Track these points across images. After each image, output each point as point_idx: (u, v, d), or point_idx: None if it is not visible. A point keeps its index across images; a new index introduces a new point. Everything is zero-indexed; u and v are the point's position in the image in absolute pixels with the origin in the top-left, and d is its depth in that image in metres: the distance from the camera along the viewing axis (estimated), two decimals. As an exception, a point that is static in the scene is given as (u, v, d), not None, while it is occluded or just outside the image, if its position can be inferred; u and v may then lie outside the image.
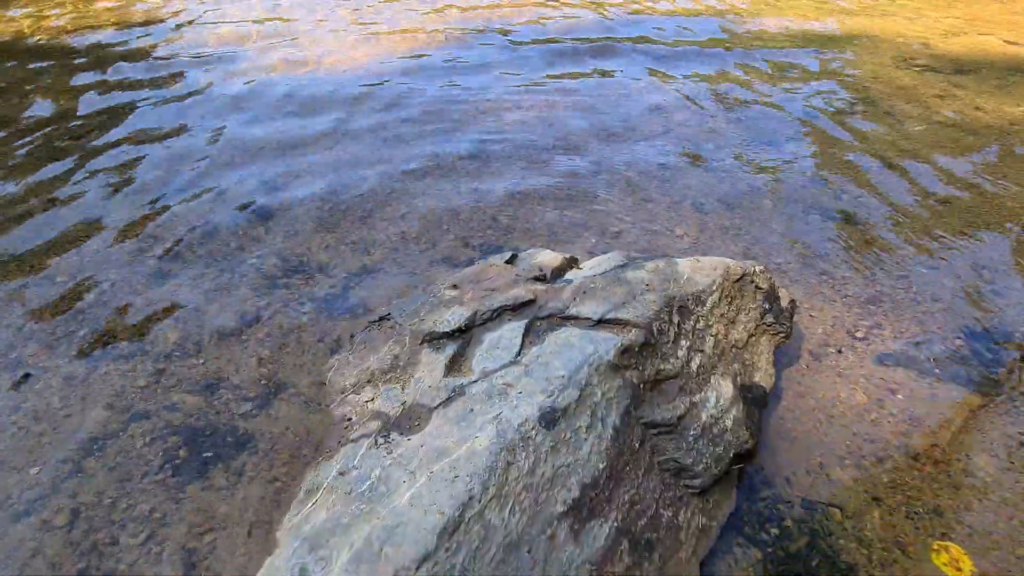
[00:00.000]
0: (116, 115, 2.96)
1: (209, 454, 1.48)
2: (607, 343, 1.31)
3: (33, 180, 2.45)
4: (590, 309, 1.41)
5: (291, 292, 1.91)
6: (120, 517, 1.35)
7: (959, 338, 1.73)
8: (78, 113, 2.98)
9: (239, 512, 1.35)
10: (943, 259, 2.05)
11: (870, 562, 1.21)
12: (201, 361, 1.71)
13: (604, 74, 3.54)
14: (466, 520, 1.00)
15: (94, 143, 2.72)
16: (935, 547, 1.23)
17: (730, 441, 1.34)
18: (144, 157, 2.62)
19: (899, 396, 1.56)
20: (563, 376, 1.25)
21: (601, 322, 1.38)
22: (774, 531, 1.28)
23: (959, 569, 1.20)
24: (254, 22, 4.28)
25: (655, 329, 1.36)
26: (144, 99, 3.13)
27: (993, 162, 2.67)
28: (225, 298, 1.89)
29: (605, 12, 4.67)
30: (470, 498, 1.02)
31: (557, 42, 4.03)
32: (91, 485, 1.41)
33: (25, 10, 4.49)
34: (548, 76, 3.48)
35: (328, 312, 1.84)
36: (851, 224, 2.23)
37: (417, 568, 0.93)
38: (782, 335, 1.58)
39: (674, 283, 1.48)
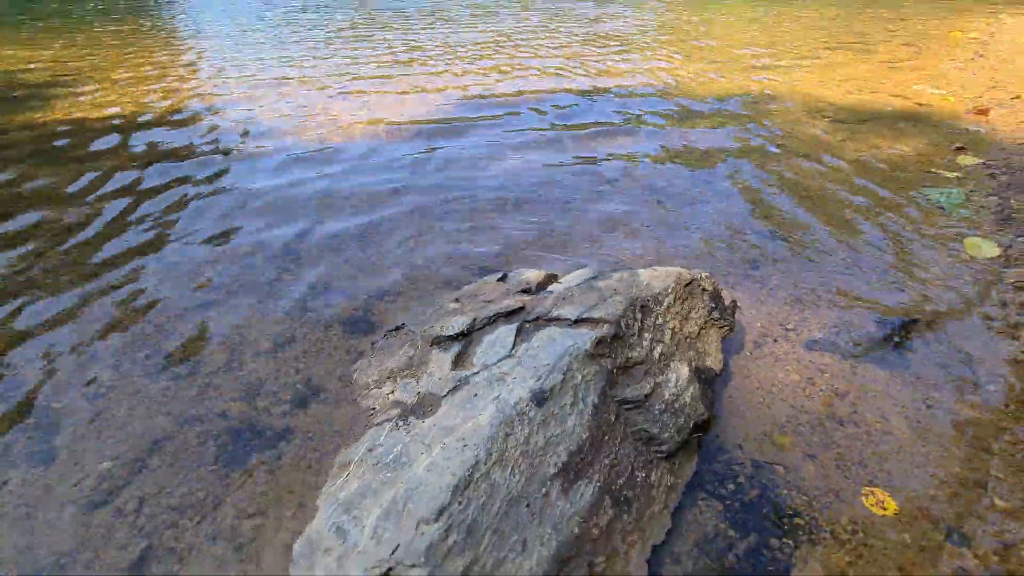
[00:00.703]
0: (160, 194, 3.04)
1: (252, 448, 1.49)
2: (584, 337, 1.37)
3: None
4: (569, 311, 1.47)
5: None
6: (178, 504, 1.35)
7: (872, 326, 1.81)
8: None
9: (280, 495, 1.36)
10: (855, 265, 2.14)
11: (811, 507, 1.25)
12: (243, 372, 1.74)
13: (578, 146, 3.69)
14: (474, 480, 1.03)
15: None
16: (863, 492, 1.27)
17: (689, 414, 1.38)
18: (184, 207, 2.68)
19: (826, 375, 1.62)
20: (548, 364, 1.29)
21: (578, 321, 1.44)
22: (731, 486, 1.31)
23: (884, 508, 1.24)
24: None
25: (623, 324, 1.42)
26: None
27: (878, 180, 2.81)
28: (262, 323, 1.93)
29: (573, 84, 4.89)
30: (477, 462, 1.06)
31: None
32: (153, 478, 1.41)
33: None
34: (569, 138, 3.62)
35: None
36: (777, 241, 2.33)
37: (436, 519, 0.96)
38: (727, 328, 1.64)
39: (636, 288, 1.55)
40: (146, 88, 4.85)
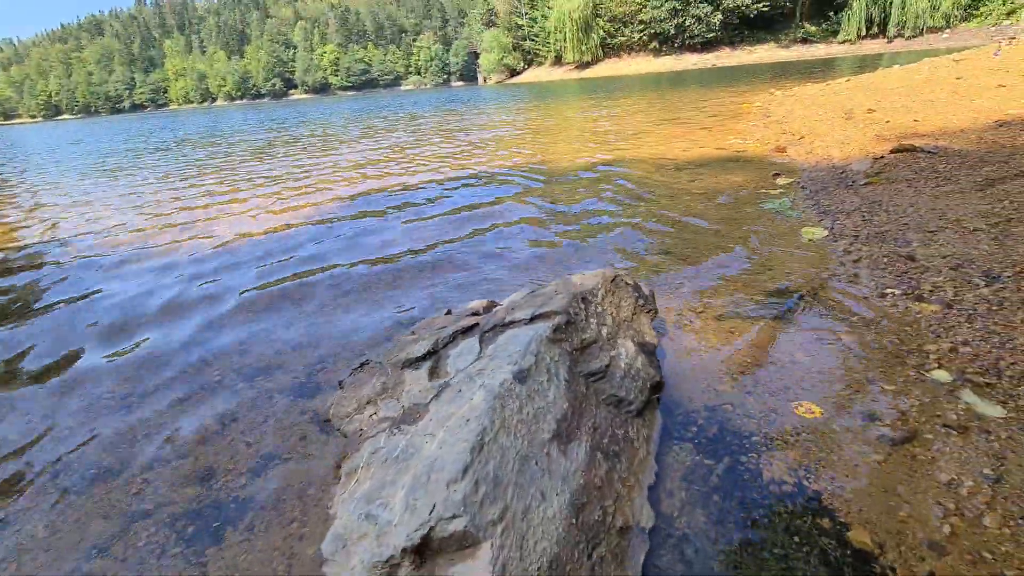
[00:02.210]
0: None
1: (219, 523, 1.38)
2: (542, 327, 1.53)
3: None
4: (522, 314, 1.64)
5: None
6: None
7: (760, 297, 2.19)
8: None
9: (265, 553, 1.27)
10: (731, 259, 2.59)
11: (760, 426, 1.46)
12: (187, 460, 1.62)
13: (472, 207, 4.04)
14: (486, 443, 1.11)
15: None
16: (794, 407, 1.53)
17: (644, 378, 1.57)
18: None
19: (738, 336, 1.93)
20: (519, 351, 1.43)
21: (533, 319, 1.60)
22: (694, 429, 1.49)
23: (813, 413, 1.49)
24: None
25: (572, 312, 1.61)
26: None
27: (726, 203, 3.46)
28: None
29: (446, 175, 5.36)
30: (484, 429, 1.14)
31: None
32: None
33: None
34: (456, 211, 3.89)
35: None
36: (666, 253, 2.74)
37: (463, 476, 1.01)
38: (652, 311, 1.90)
39: (573, 287, 1.77)
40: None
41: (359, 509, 1.01)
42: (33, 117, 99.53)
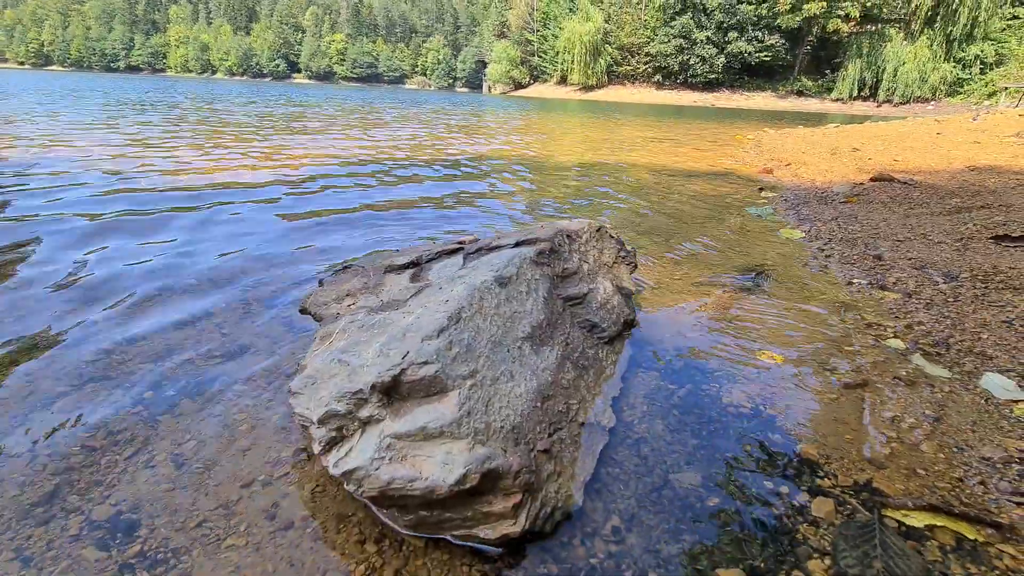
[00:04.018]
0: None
1: (177, 391, 1.38)
2: (527, 250, 1.57)
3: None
4: (509, 240, 1.67)
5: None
6: (99, 444, 1.20)
7: (737, 273, 2.27)
8: None
9: (222, 422, 1.27)
10: (713, 246, 2.68)
11: (724, 364, 1.52)
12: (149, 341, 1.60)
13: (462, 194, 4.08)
14: (463, 318, 1.13)
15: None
16: (759, 354, 1.59)
17: (619, 313, 1.62)
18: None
19: (712, 298, 2.00)
20: (502, 263, 1.46)
21: (518, 243, 1.64)
22: (661, 363, 1.54)
23: (775, 359, 1.56)
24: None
25: (556, 242, 1.65)
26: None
27: (713, 205, 3.58)
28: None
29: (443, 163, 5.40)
30: (461, 308, 1.16)
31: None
32: (41, 427, 1.23)
33: None
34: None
35: (281, 297, 1.84)
36: (655, 236, 2.82)
37: (437, 335, 1.03)
38: (632, 265, 1.96)
39: (559, 226, 1.81)
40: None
41: (334, 356, 1.02)
42: (21, 64, 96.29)
